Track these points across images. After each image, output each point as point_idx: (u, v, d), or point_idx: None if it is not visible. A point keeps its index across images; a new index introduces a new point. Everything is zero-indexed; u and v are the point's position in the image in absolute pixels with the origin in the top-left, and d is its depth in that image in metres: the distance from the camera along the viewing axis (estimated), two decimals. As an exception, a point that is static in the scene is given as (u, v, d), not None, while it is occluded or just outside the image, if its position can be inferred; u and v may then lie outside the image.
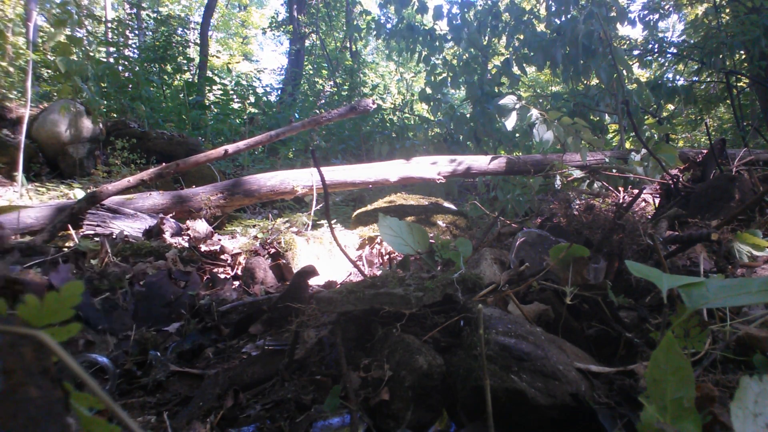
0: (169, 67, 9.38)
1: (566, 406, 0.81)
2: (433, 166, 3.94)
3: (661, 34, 9.44)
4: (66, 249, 2.43)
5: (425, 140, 6.40)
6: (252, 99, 9.72)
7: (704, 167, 2.65)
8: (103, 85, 6.72)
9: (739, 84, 8.15)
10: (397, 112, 8.79)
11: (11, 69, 6.58)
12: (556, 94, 7.11)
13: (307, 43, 14.73)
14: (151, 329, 1.73)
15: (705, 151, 2.83)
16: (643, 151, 3.19)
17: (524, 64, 6.05)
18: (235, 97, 9.62)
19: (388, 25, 6.66)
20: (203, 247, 2.66)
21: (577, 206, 1.79)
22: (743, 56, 7.43)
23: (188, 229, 2.98)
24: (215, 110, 9.13)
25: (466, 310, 1.10)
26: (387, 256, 2.70)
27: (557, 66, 5.41)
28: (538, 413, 0.81)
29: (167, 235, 2.98)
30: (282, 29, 15.50)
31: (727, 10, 7.94)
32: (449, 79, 6.23)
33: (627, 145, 4.82)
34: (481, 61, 6.18)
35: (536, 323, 1.13)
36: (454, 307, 1.16)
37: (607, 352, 1.11)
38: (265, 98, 10.38)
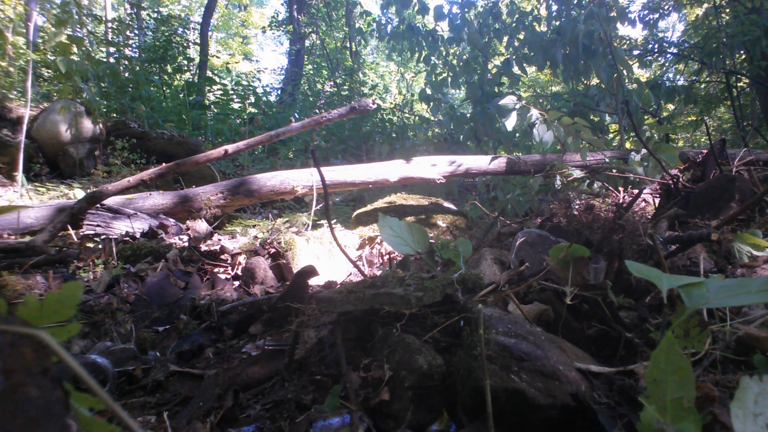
0: (169, 67, 9.38)
1: (566, 406, 0.81)
2: (433, 168, 3.94)
3: (661, 34, 9.44)
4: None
5: (425, 140, 6.40)
6: (252, 99, 9.72)
7: (704, 167, 2.64)
8: (103, 85, 6.72)
9: (739, 84, 8.15)
10: (397, 112, 8.79)
11: (11, 69, 6.58)
12: (556, 94, 7.11)
13: (307, 43, 14.73)
14: (151, 330, 1.73)
15: (705, 151, 2.83)
16: (643, 151, 3.18)
17: (524, 64, 6.05)
18: (235, 97, 9.63)
19: (389, 27, 6.66)
20: (203, 247, 2.67)
21: (577, 206, 1.78)
22: (743, 56, 7.43)
23: (188, 229, 2.98)
24: (215, 110, 9.13)
25: (466, 310, 1.10)
26: (387, 256, 2.70)
27: (557, 66, 5.41)
28: (538, 413, 0.81)
29: (165, 235, 2.98)
30: (282, 29, 15.51)
31: (727, 11, 7.94)
32: (449, 79, 6.23)
33: (627, 145, 4.82)
34: (481, 61, 6.18)
35: (536, 323, 1.13)
36: (454, 307, 1.16)
37: (607, 352, 1.11)
38: (265, 98, 10.38)
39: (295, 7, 14.32)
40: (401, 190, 4.32)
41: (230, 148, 3.42)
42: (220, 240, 2.93)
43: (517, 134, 5.92)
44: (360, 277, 2.16)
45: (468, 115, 6.12)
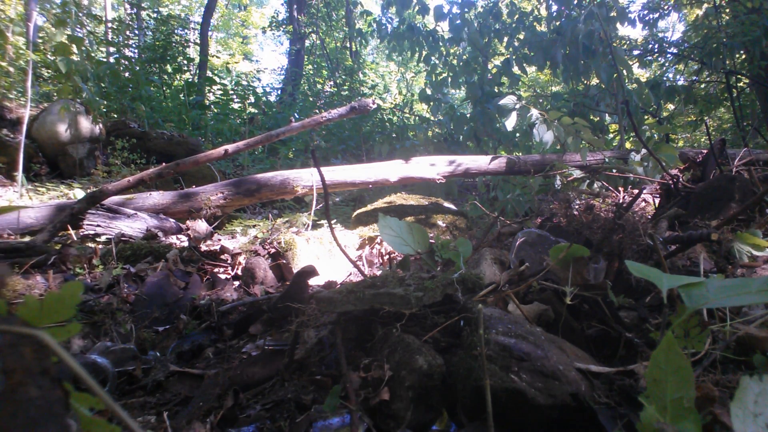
0: (169, 67, 9.38)
1: (566, 406, 0.81)
2: (432, 168, 3.94)
3: (661, 34, 9.44)
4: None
5: (425, 140, 6.40)
6: (252, 99, 9.72)
7: (704, 167, 2.64)
8: (103, 85, 6.72)
9: (739, 84, 8.15)
10: (397, 112, 8.79)
11: (11, 69, 6.58)
12: (556, 94, 7.11)
13: (307, 43, 14.73)
14: (151, 330, 1.73)
15: (705, 151, 2.83)
16: (643, 151, 3.19)
17: (524, 64, 6.05)
18: (235, 97, 9.62)
19: (389, 27, 6.66)
20: (203, 247, 2.67)
21: (577, 206, 1.78)
22: (743, 56, 7.43)
23: (188, 229, 2.98)
24: (215, 110, 9.13)
25: (466, 310, 1.10)
26: (387, 256, 2.70)
27: (557, 66, 5.41)
28: (538, 413, 0.81)
29: (162, 235, 2.98)
30: (282, 29, 15.51)
31: (727, 11, 7.94)
32: (449, 79, 6.23)
33: (627, 145, 4.82)
34: (481, 61, 6.18)
35: (536, 323, 1.13)
36: (454, 307, 1.16)
37: (607, 352, 1.11)
38: (265, 98, 10.38)
39: (295, 7, 14.32)
40: (401, 190, 4.32)
41: (230, 148, 3.42)
42: (220, 240, 2.93)
43: (517, 134, 5.93)
44: (360, 277, 2.16)
45: (468, 115, 6.13)
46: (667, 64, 8.61)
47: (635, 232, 1.39)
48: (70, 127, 5.38)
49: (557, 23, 5.75)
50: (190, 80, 9.64)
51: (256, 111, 9.42)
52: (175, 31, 10.67)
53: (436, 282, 1.14)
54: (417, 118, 8.71)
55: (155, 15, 11.07)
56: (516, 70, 6.00)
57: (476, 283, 1.25)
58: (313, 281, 1.82)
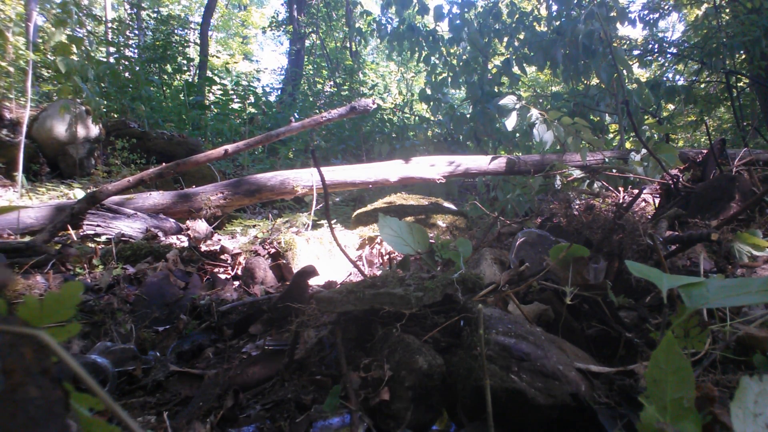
0: (169, 67, 9.38)
1: (566, 406, 0.81)
2: (432, 168, 3.94)
3: (661, 34, 9.45)
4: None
5: (425, 140, 6.40)
6: (252, 99, 9.72)
7: (704, 167, 2.64)
8: (103, 85, 6.72)
9: (739, 84, 8.16)
10: (397, 112, 8.80)
11: (11, 69, 6.57)
12: (556, 94, 7.11)
13: (307, 43, 14.73)
14: (151, 330, 1.73)
15: (705, 151, 2.83)
16: (643, 151, 3.18)
17: (524, 64, 6.05)
18: (235, 97, 9.63)
19: (389, 27, 6.67)
20: (203, 247, 2.67)
21: (577, 206, 1.79)
22: (743, 56, 7.43)
23: (188, 229, 2.98)
24: (215, 110, 9.14)
25: (466, 310, 1.10)
26: (387, 256, 2.70)
27: (557, 66, 5.41)
28: (538, 413, 0.81)
29: (162, 235, 2.98)
30: (282, 29, 15.51)
31: (727, 11, 7.95)
32: (449, 79, 6.23)
33: (627, 145, 4.81)
34: (481, 61, 6.18)
35: (536, 323, 1.13)
36: (454, 307, 1.16)
37: (607, 352, 1.11)
38: (265, 98, 10.38)
39: (295, 7, 14.32)
40: (401, 190, 4.32)
41: (230, 148, 3.42)
42: (220, 240, 2.93)
43: (517, 134, 5.93)
44: (360, 277, 2.16)
45: (468, 115, 6.13)
46: (667, 64, 8.61)
47: (635, 232, 1.39)
48: (70, 127, 5.38)
49: (557, 23, 5.75)
50: (189, 80, 9.64)
51: (256, 111, 9.42)
52: (175, 31, 10.68)
53: (436, 282, 1.14)
54: (417, 118, 8.71)
55: (155, 15, 11.07)
56: (516, 70, 6.00)
57: (476, 283, 1.25)
58: (313, 281, 1.82)
